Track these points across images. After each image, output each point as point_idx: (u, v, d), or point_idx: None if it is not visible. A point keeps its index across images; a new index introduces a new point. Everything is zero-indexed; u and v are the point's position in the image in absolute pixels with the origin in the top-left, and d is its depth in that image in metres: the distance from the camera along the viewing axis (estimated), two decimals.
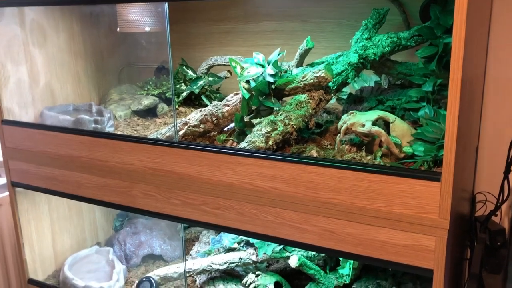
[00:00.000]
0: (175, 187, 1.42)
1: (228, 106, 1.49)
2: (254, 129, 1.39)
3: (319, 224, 1.23)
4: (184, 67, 1.90)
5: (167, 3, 1.34)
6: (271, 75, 1.42)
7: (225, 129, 1.56)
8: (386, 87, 1.70)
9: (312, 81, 1.41)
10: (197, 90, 1.82)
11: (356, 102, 1.60)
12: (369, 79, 1.76)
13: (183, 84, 1.89)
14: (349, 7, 1.80)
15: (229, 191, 1.33)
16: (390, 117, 1.35)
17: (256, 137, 1.36)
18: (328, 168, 1.18)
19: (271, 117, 1.39)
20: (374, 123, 1.35)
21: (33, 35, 1.82)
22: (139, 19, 1.72)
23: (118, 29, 1.79)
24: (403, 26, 1.69)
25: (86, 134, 1.55)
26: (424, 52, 1.45)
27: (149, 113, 1.92)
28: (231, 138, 1.48)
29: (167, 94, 1.93)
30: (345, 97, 1.69)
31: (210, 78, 1.84)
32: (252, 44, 2.02)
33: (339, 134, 1.41)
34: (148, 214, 1.51)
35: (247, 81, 1.45)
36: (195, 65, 2.01)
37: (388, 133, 1.34)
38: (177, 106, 1.89)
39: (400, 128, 1.34)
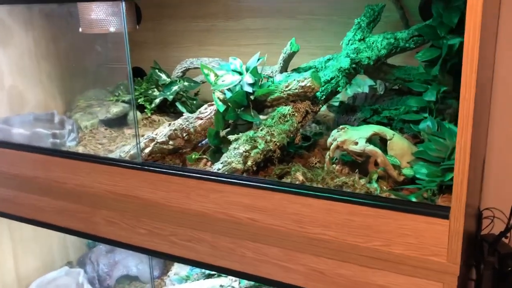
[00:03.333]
0: (141, 214, 1.24)
1: (201, 119, 1.29)
2: (231, 147, 1.20)
3: (306, 263, 1.05)
4: (157, 70, 1.70)
5: (123, 2, 1.15)
6: (250, 84, 1.23)
7: (200, 144, 1.37)
8: (382, 92, 1.51)
9: (296, 91, 1.22)
10: (171, 97, 1.62)
11: (349, 111, 1.42)
12: (363, 83, 1.58)
13: (155, 89, 1.70)
14: (340, 2, 1.61)
15: (201, 221, 1.15)
16: (388, 133, 1.16)
17: (232, 156, 1.17)
18: (316, 198, 1.00)
19: (251, 133, 1.20)
20: (369, 139, 1.17)
21: None
22: (102, 18, 1.51)
23: (80, 30, 1.59)
24: (401, 24, 1.50)
25: (40, 152, 1.36)
26: (425, 55, 1.26)
27: (119, 122, 1.73)
28: (205, 156, 1.29)
29: (139, 100, 1.73)
30: (336, 104, 1.51)
31: (186, 83, 1.65)
32: (234, 43, 1.83)
33: (328, 152, 1.22)
34: (112, 244, 1.32)
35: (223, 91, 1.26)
36: (173, 66, 1.82)
37: (385, 151, 1.15)
38: (149, 114, 1.70)
39: (399, 146, 1.16)
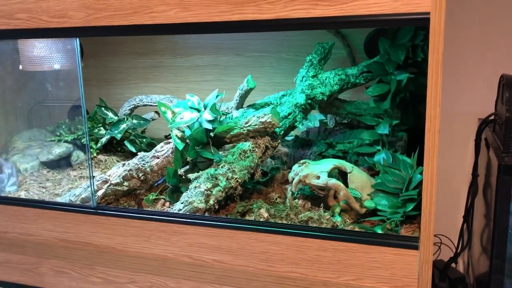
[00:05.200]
0: (95, 262, 1.15)
1: (158, 158, 1.25)
2: (191, 185, 1.16)
3: None
4: (103, 108, 1.63)
5: (78, 39, 1.10)
6: (209, 121, 1.21)
7: (156, 184, 1.32)
8: (332, 126, 1.55)
9: (257, 127, 1.22)
10: (119, 136, 1.56)
11: (304, 145, 1.43)
12: (314, 117, 1.61)
13: (102, 128, 1.62)
14: (288, 40, 1.65)
15: (163, 266, 1.09)
16: (347, 166, 1.18)
17: (193, 196, 1.13)
18: (284, 235, 0.98)
19: (211, 170, 1.18)
20: (329, 173, 1.18)
21: None
22: (45, 55, 1.44)
23: (20, 67, 1.50)
24: (347, 60, 1.56)
25: None
26: (376, 91, 1.32)
27: (62, 163, 1.63)
28: (162, 196, 1.24)
29: (83, 140, 1.65)
30: (289, 138, 1.52)
31: (135, 121, 1.59)
32: (182, 80, 1.81)
33: (290, 187, 1.23)
34: None
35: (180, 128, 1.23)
36: (117, 103, 1.76)
37: (345, 184, 1.17)
38: (95, 154, 1.62)
39: (359, 178, 1.18)
